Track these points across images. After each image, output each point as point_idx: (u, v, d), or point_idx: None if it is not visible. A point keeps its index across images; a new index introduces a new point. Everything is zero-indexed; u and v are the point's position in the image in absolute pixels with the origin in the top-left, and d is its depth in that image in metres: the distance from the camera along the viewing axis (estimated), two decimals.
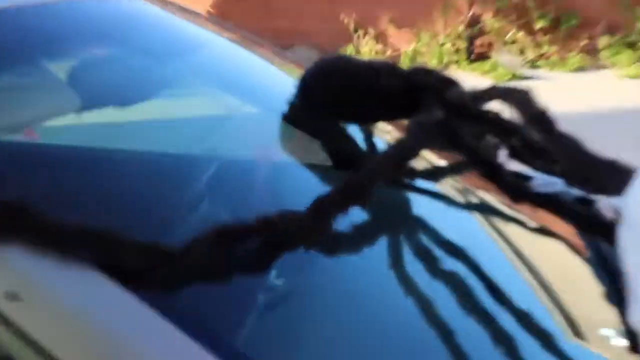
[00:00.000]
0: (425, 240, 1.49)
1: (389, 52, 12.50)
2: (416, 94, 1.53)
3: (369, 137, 1.73)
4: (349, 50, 12.38)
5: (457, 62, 12.16)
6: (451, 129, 1.50)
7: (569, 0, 12.13)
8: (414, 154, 1.40)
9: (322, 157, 1.72)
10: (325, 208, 1.17)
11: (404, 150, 1.37)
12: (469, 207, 1.71)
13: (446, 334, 1.31)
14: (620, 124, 8.34)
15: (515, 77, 11.47)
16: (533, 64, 12.12)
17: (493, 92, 1.59)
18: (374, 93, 1.56)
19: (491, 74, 11.48)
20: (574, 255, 1.59)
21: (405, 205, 1.57)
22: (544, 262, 1.56)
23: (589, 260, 1.60)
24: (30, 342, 0.92)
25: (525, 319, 1.40)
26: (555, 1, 12.11)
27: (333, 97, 1.60)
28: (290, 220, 1.14)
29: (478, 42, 12.44)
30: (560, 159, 1.56)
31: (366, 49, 12.45)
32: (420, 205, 1.62)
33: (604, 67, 12.10)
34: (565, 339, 1.40)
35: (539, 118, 1.54)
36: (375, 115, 1.68)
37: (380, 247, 1.42)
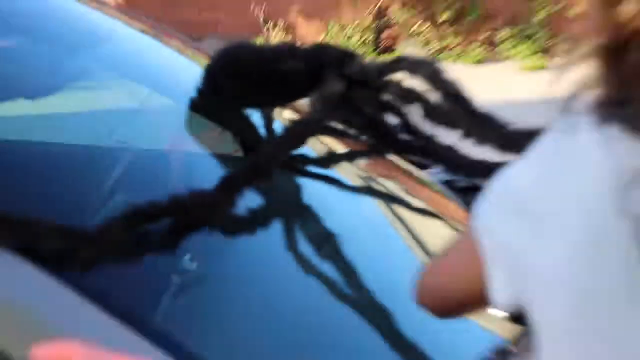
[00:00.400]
0: (320, 221, 1.53)
1: (298, 44, 12.46)
2: (318, 72, 1.55)
3: (271, 122, 1.74)
4: (259, 42, 12.33)
5: (364, 54, 12.21)
6: (352, 101, 1.52)
7: None
8: (316, 128, 1.42)
9: (230, 145, 1.73)
10: (231, 185, 1.19)
11: (302, 129, 1.39)
12: (365, 190, 1.73)
13: (337, 310, 1.35)
14: (517, 115, 8.45)
15: None
16: (437, 56, 12.23)
17: (400, 64, 1.60)
18: (277, 76, 1.57)
19: None
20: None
21: (303, 190, 1.58)
22: (432, 241, 1.59)
23: None
24: None
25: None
26: None
27: (239, 83, 1.59)
28: (198, 198, 1.16)
29: (385, 34, 12.49)
30: (467, 126, 1.59)
31: (276, 41, 12.42)
32: (319, 190, 1.64)
33: (505, 58, 12.27)
34: None
35: (448, 88, 1.55)
36: (281, 98, 1.70)
37: (277, 231, 1.45)
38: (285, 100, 1.71)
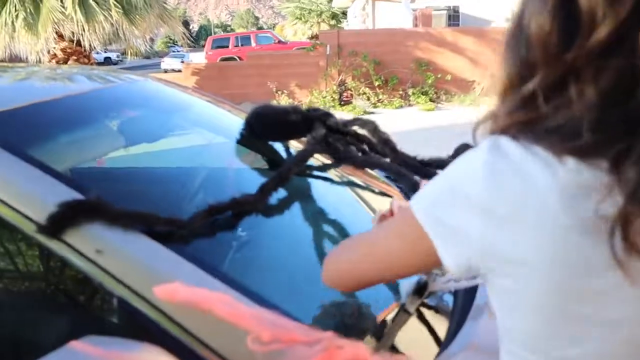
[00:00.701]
0: (317, 203, 1.53)
1: (296, 102, 12.52)
2: (311, 122, 1.56)
3: (287, 149, 1.74)
4: (275, 103, 12.37)
5: (333, 106, 12.21)
6: (329, 141, 1.53)
7: (392, 68, 12.31)
8: (311, 155, 1.43)
9: (262, 164, 1.73)
10: (265, 189, 1.19)
11: (305, 153, 1.39)
12: (342, 183, 1.72)
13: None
14: (422, 138, 8.53)
15: (365, 112, 11.56)
16: (375, 105, 12.24)
17: (356, 122, 1.62)
18: (288, 123, 1.58)
19: (353, 111, 11.55)
20: None
21: (305, 186, 1.58)
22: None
23: None
24: (112, 277, 0.93)
25: None
26: (385, 69, 12.29)
27: (266, 127, 1.61)
28: (247, 198, 1.16)
29: (345, 94, 12.51)
30: (393, 157, 1.60)
31: (283, 102, 12.43)
32: (314, 186, 1.63)
33: (413, 105, 12.31)
34: None
35: (382, 138, 1.57)
36: (289, 135, 1.68)
37: (291, 210, 1.44)
38: (292, 137, 1.70)
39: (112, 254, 0.95)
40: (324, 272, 0.86)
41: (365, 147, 1.64)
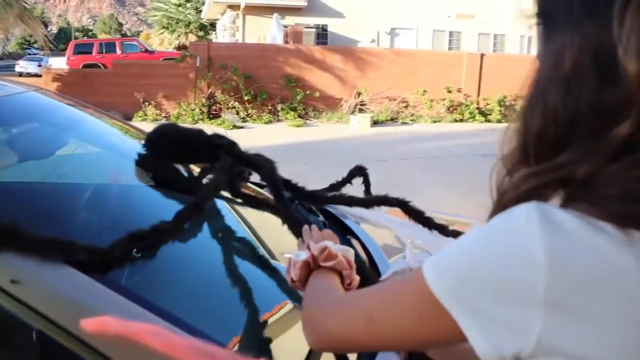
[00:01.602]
0: (223, 227, 1.52)
1: (163, 114, 12.18)
2: (214, 149, 1.53)
3: (189, 172, 1.70)
4: (140, 114, 11.95)
5: (202, 119, 12.03)
6: (232, 170, 1.52)
7: (261, 83, 12.39)
8: (221, 184, 1.41)
9: (164, 185, 1.67)
10: (182, 218, 1.16)
11: (217, 182, 1.38)
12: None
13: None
14: (291, 153, 8.66)
15: (234, 127, 11.53)
16: (244, 120, 12.24)
17: (255, 157, 1.58)
18: (191, 146, 1.54)
19: (222, 125, 11.46)
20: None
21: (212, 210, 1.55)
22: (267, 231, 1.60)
23: None
24: (30, 309, 0.87)
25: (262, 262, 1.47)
26: (254, 84, 12.33)
27: (167, 147, 1.55)
28: (166, 226, 1.13)
29: (213, 107, 12.37)
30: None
31: (150, 113, 12.03)
32: (220, 212, 1.61)
33: (282, 120, 12.46)
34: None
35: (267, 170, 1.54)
36: (192, 159, 1.65)
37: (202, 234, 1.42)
38: (193, 161, 1.67)
39: (30, 285, 0.88)
40: (309, 330, 0.74)
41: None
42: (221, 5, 18.52)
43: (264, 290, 1.30)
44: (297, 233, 1.34)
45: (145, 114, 12.02)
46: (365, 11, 16.70)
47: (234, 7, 17.31)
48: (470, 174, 7.35)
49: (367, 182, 2.23)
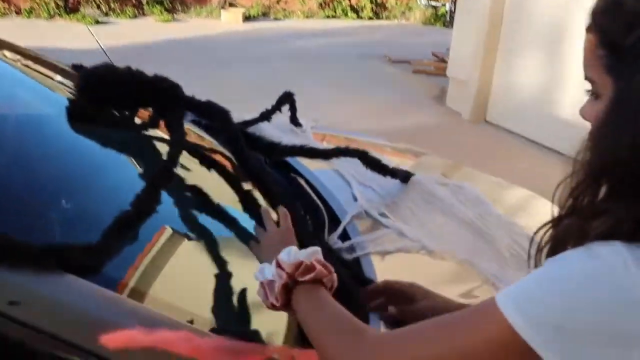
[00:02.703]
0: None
1: (13, 8, 10.80)
2: (155, 92, 1.37)
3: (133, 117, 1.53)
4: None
5: (59, 14, 10.88)
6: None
7: None
8: (183, 144, 1.29)
9: (103, 139, 1.48)
10: (156, 187, 1.05)
11: (179, 142, 1.26)
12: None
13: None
14: (163, 51, 8.16)
15: (97, 22, 10.58)
16: (106, 14, 11.24)
17: (205, 103, 1.43)
18: (130, 91, 1.36)
19: (82, 20, 10.46)
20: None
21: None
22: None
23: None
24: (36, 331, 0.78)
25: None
26: None
27: (105, 94, 1.36)
28: (146, 202, 1.02)
29: (71, 0, 11.18)
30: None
31: None
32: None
33: (146, 15, 11.63)
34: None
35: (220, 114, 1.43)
36: (132, 106, 1.46)
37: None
38: (137, 106, 1.49)
39: (32, 304, 0.78)
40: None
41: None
42: None
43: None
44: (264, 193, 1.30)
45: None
46: None
47: None
48: (352, 76, 7.44)
49: (293, 109, 2.18)
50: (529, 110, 5.07)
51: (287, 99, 2.11)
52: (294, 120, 2.16)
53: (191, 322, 0.91)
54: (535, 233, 0.67)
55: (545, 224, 0.66)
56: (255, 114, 2.03)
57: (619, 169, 0.59)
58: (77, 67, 1.72)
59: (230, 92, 5.42)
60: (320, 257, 0.86)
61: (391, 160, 1.82)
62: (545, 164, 4.39)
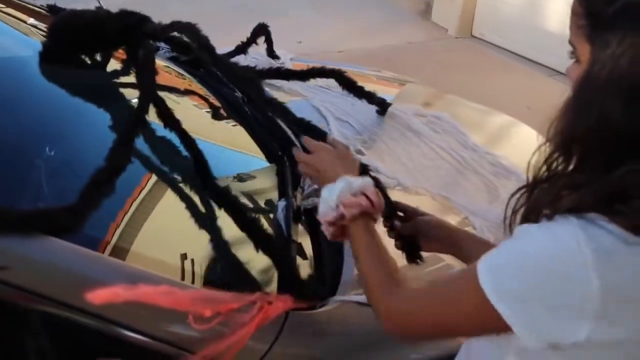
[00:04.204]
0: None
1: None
2: (125, 31, 1.37)
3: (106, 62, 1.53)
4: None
5: None
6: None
7: None
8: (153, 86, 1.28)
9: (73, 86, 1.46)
10: (129, 138, 1.07)
11: (149, 86, 1.25)
12: None
13: None
14: None
15: None
16: None
17: (174, 26, 1.39)
18: (100, 32, 1.37)
19: None
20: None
21: None
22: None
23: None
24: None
25: None
26: None
27: (76, 38, 1.37)
28: (120, 156, 1.05)
29: None
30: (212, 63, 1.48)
31: None
32: None
33: None
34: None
35: (202, 44, 1.37)
36: (102, 47, 1.46)
37: None
38: (106, 49, 1.48)
39: (20, 267, 0.83)
40: (388, 321, 0.78)
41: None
42: None
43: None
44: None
45: None
46: None
47: None
48: None
49: (269, 41, 2.16)
50: (516, 24, 5.01)
51: (261, 30, 2.09)
52: (271, 53, 2.14)
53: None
54: (511, 197, 0.71)
55: (520, 189, 0.70)
56: (231, 47, 2.02)
57: (587, 139, 0.62)
58: (53, 8, 1.70)
59: (209, 17, 5.21)
60: (373, 189, 0.90)
61: (375, 88, 1.83)
62: (533, 79, 4.39)
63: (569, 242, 0.60)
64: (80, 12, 1.44)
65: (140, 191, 1.17)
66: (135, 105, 1.19)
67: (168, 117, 1.29)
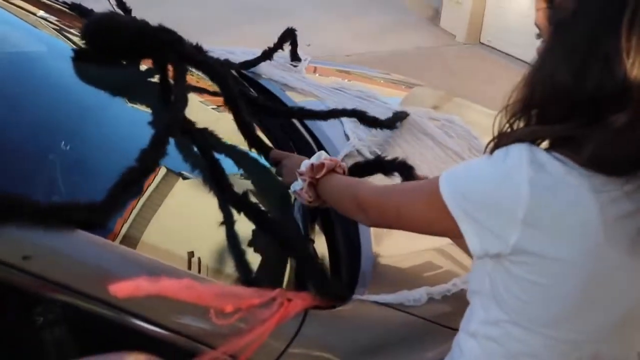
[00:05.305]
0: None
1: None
2: (158, 45, 1.38)
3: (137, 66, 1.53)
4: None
5: None
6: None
7: None
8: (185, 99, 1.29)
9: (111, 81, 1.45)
10: (161, 141, 1.08)
11: (183, 97, 1.27)
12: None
13: None
14: None
15: None
16: None
17: (207, 59, 1.44)
18: (135, 42, 1.37)
19: None
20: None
21: None
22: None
23: None
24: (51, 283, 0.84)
25: None
26: None
27: (109, 43, 1.37)
28: (150, 158, 1.06)
29: None
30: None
31: None
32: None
33: None
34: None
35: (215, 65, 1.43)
36: (136, 56, 1.47)
37: None
38: (139, 57, 1.49)
39: (44, 258, 0.83)
40: (360, 213, 0.98)
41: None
42: None
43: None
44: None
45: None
46: None
47: None
48: None
49: (294, 45, 2.16)
50: (524, 31, 4.99)
51: (289, 35, 2.09)
52: (295, 57, 2.15)
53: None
54: (485, 149, 0.79)
55: (490, 141, 0.77)
56: (245, 49, 2.03)
57: (544, 102, 0.71)
58: (75, 7, 1.71)
59: (213, 15, 5.28)
60: (327, 156, 1.14)
61: (383, 91, 1.83)
62: None
63: (514, 154, 0.69)
64: (117, 16, 1.44)
65: (147, 187, 1.17)
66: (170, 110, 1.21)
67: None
